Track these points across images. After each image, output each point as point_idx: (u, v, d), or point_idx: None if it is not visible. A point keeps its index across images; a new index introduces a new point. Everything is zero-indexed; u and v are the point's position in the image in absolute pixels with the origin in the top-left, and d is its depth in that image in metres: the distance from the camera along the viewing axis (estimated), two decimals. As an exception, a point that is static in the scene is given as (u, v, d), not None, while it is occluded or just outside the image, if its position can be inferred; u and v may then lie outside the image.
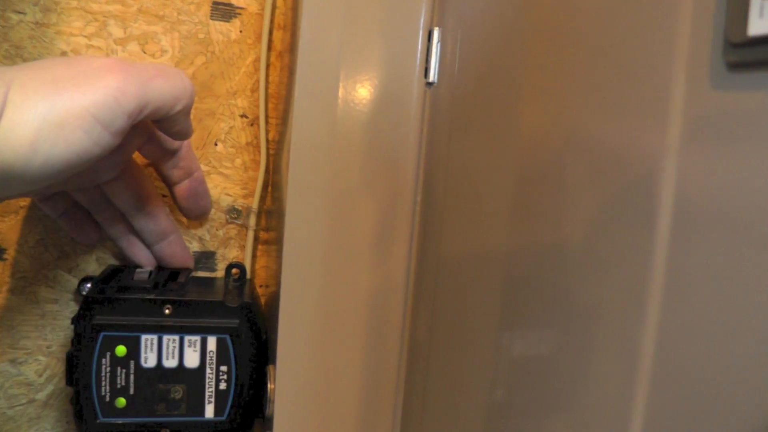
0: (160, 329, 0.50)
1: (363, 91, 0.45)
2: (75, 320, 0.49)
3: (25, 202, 0.53)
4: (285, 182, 0.52)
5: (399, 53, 0.46)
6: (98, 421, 0.50)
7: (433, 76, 0.45)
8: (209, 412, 0.51)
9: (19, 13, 0.52)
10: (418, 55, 0.46)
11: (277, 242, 0.55)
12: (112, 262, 0.56)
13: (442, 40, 0.45)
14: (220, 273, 0.57)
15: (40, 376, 0.55)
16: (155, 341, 0.50)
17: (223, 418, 0.51)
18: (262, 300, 0.57)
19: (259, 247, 0.57)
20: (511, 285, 0.36)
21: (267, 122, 0.55)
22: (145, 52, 0.54)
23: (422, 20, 0.46)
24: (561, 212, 0.31)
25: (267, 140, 0.55)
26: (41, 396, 0.56)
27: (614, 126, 0.27)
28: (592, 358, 0.28)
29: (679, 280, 0.23)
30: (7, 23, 0.52)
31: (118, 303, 0.49)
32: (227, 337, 0.50)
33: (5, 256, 0.54)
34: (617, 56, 0.27)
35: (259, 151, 0.56)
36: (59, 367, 0.56)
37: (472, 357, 0.41)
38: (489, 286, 0.39)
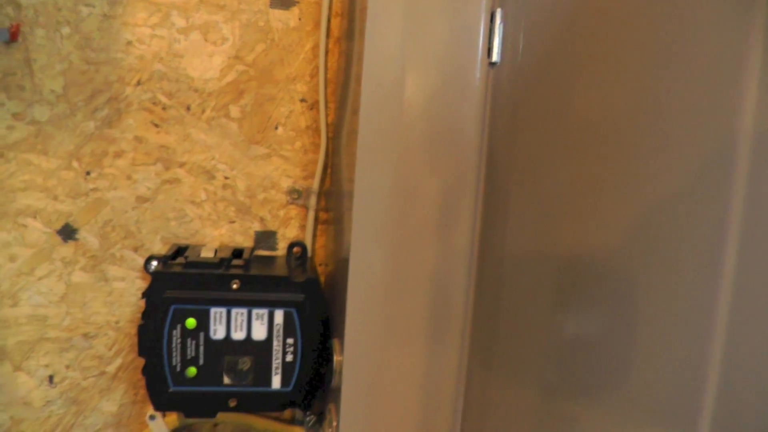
0: (229, 303, 0.52)
1: (427, 73, 0.47)
2: (146, 294, 0.51)
3: (93, 184, 0.56)
4: (346, 164, 0.54)
5: (462, 34, 0.48)
6: (170, 389, 0.52)
7: (496, 56, 0.47)
8: (276, 382, 0.53)
9: (89, 6, 0.54)
10: (481, 36, 0.48)
11: (336, 222, 0.57)
12: (176, 241, 0.58)
13: (505, 21, 0.47)
14: (280, 252, 0.60)
15: (110, 349, 0.58)
16: (224, 314, 0.52)
17: (289, 388, 0.53)
18: (322, 278, 0.59)
19: (319, 227, 0.60)
20: (575, 262, 0.38)
21: (326, 106, 0.57)
22: (206, 41, 0.57)
23: (484, 1, 0.48)
24: (627, 189, 0.33)
25: (327, 123, 0.57)
26: (111, 368, 0.58)
27: (686, 98, 0.29)
28: (644, 342, 0.30)
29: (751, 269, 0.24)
30: (79, 16, 0.54)
31: (188, 278, 0.51)
32: (294, 310, 0.52)
33: (76, 236, 0.56)
34: (689, 28, 0.29)
35: (319, 135, 0.58)
36: (127, 342, 0.58)
37: (532, 335, 0.43)
38: (551, 265, 0.41)
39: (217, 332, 0.52)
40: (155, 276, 0.51)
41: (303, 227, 0.59)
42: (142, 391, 0.59)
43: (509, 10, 0.46)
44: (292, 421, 0.62)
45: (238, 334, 0.52)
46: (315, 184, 0.58)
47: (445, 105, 0.48)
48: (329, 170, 0.59)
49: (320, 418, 0.60)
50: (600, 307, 0.36)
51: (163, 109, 0.56)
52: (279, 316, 0.52)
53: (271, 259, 0.58)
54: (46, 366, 0.57)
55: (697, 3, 0.29)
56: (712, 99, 0.28)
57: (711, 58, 0.28)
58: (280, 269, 0.55)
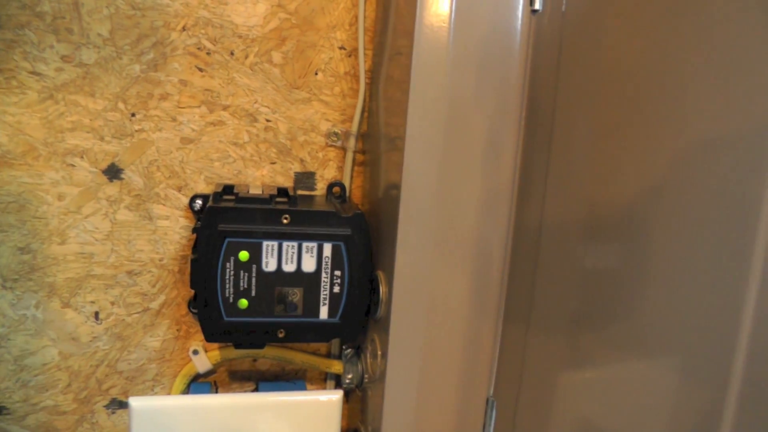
0: (280, 236, 0.54)
1: (473, 17, 0.51)
2: (199, 229, 0.53)
3: (138, 125, 0.57)
4: (383, 108, 0.57)
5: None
6: (223, 320, 0.54)
7: (538, 4, 0.51)
8: (323, 313, 0.56)
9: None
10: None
11: (373, 164, 0.60)
12: (219, 181, 0.60)
13: (545, -28, 0.51)
14: (319, 191, 0.62)
15: (153, 286, 0.60)
16: (275, 247, 0.54)
17: (336, 319, 0.56)
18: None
19: (355, 168, 0.62)
20: (606, 201, 0.42)
21: (364, 53, 0.60)
22: (246, -11, 0.59)
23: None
24: (659, 131, 0.36)
25: (365, 70, 0.60)
26: (154, 305, 0.60)
27: (725, 45, 0.33)
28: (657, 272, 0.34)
29: None
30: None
31: (241, 212, 0.54)
32: (342, 244, 0.55)
33: (122, 176, 0.58)
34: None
35: (357, 80, 0.61)
36: (170, 279, 0.60)
37: (562, 270, 0.47)
38: (584, 203, 0.45)
39: (269, 264, 0.55)
40: (209, 210, 0.53)
41: (341, 168, 0.62)
42: (185, 327, 0.61)
43: (557, -43, 0.50)
44: (328, 355, 0.65)
45: (289, 267, 0.55)
46: (353, 127, 0.61)
47: (491, 47, 0.51)
48: (366, 114, 0.62)
49: (357, 351, 0.63)
50: (626, 245, 0.40)
51: (208, 54, 0.58)
52: (328, 249, 0.55)
53: (313, 198, 0.61)
54: (92, 302, 0.58)
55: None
56: (748, 48, 0.31)
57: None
58: (325, 206, 0.58)
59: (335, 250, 0.56)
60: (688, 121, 0.36)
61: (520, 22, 0.52)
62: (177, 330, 0.61)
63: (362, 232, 0.56)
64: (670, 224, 0.36)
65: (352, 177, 0.62)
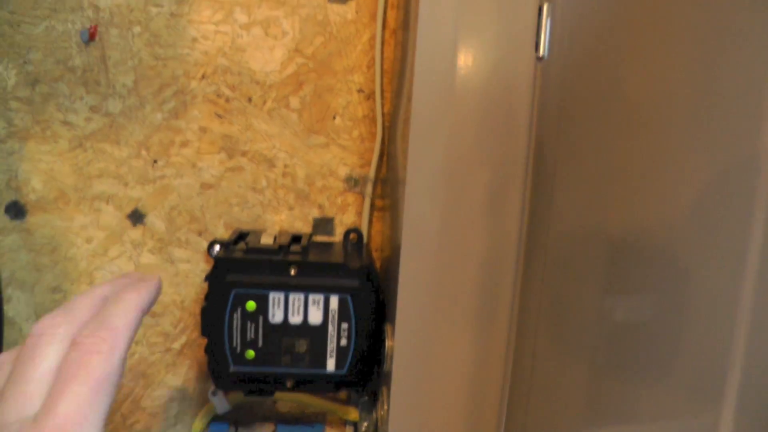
0: (287, 288, 0.54)
1: (478, 65, 0.48)
2: (209, 278, 0.54)
3: (161, 172, 0.59)
4: (401, 152, 0.56)
5: (511, 28, 0.48)
6: (230, 369, 0.55)
7: (543, 50, 0.47)
8: (331, 365, 0.55)
9: (158, 6, 0.57)
10: (529, 31, 0.48)
11: (392, 209, 0.58)
12: (238, 226, 0.61)
13: (552, 16, 0.47)
14: (337, 238, 0.62)
15: (175, 327, 0.61)
16: (282, 299, 0.54)
17: (344, 371, 0.56)
18: (378, 263, 0.60)
19: (375, 213, 0.61)
20: (617, 252, 0.38)
21: (382, 96, 0.59)
22: (267, 35, 0.59)
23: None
24: (674, 175, 0.33)
25: (383, 113, 0.59)
26: (176, 345, 0.62)
27: (727, 96, 0.29)
28: (691, 323, 0.30)
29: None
30: (148, 15, 0.57)
31: (249, 263, 0.54)
32: (349, 296, 0.54)
33: (145, 220, 0.60)
34: (730, 26, 0.28)
35: (375, 124, 0.59)
36: (191, 320, 0.61)
37: (579, 321, 0.43)
38: (596, 253, 0.41)
39: (276, 316, 0.54)
40: (218, 261, 0.53)
41: (359, 214, 0.61)
42: (205, 368, 0.62)
43: (557, 4, 0.46)
44: (347, 401, 0.64)
45: (296, 318, 0.55)
46: (371, 171, 0.59)
47: (495, 97, 0.48)
48: (385, 158, 0.60)
49: (374, 398, 0.62)
50: (647, 290, 0.36)
51: (227, 100, 0.59)
52: (334, 301, 0.54)
53: (328, 245, 0.60)
54: (119, 342, 0.61)
55: None
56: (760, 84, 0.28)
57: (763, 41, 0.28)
58: (336, 255, 0.57)
59: (342, 303, 0.55)
60: (704, 165, 0.32)
61: (525, 69, 0.48)
62: (198, 370, 0.62)
63: (370, 285, 0.54)
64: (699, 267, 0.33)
65: (371, 223, 0.61)
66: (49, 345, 0.35)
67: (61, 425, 0.31)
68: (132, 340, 0.36)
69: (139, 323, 0.37)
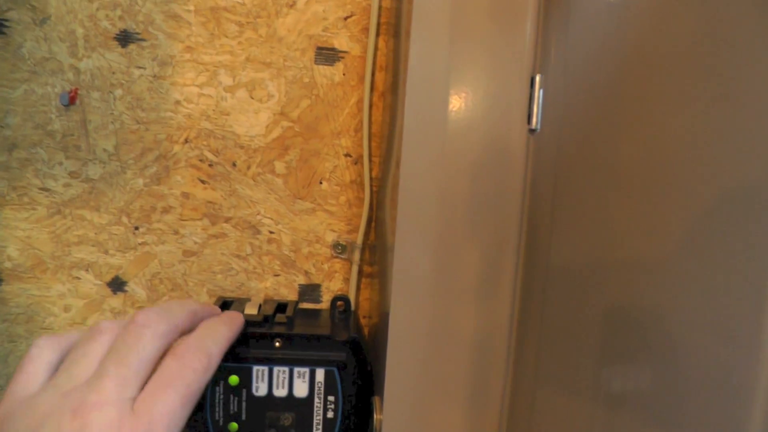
0: (271, 361, 0.52)
1: (468, 134, 0.47)
2: (192, 350, 0.52)
3: (142, 239, 0.57)
4: (389, 218, 0.54)
5: (502, 100, 0.47)
6: (213, 444, 0.53)
7: (536, 122, 0.47)
8: (317, 440, 0.53)
9: (141, 68, 0.56)
10: (521, 103, 0.47)
11: (380, 276, 0.57)
12: (221, 294, 0.59)
13: (545, 87, 0.46)
14: (324, 305, 0.60)
15: (157, 400, 0.59)
16: (266, 372, 0.52)
17: (330, 446, 0.53)
18: (366, 330, 0.59)
19: (363, 280, 0.60)
20: (614, 320, 0.37)
21: (370, 160, 0.58)
22: (252, 98, 0.57)
23: (524, 67, 0.47)
24: (666, 246, 0.31)
25: (371, 178, 0.58)
26: (158, 419, 0.59)
27: (722, 158, 0.27)
28: (693, 394, 0.28)
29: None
30: (131, 78, 0.56)
31: (232, 335, 0.52)
32: (335, 369, 0.52)
33: (126, 288, 0.58)
34: (724, 89, 0.27)
35: (363, 189, 0.58)
36: (174, 392, 0.59)
37: (576, 399, 0.41)
38: (592, 324, 0.40)
39: (260, 389, 0.52)
40: (200, 333, 0.52)
41: (347, 280, 0.60)
42: (189, 441, 0.60)
43: (549, 76, 0.45)
44: (335, 475, 0.62)
45: (280, 392, 0.52)
46: (359, 238, 0.58)
47: (486, 170, 0.47)
48: (373, 224, 0.59)
49: (364, 472, 0.60)
50: (643, 362, 0.35)
51: (210, 165, 0.57)
52: (320, 374, 0.52)
53: (315, 312, 0.58)
54: (97, 415, 0.58)
55: (746, 53, 0.27)
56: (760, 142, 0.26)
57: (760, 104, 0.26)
58: (323, 324, 0.55)
59: (328, 376, 0.53)
60: (699, 236, 0.31)
61: (517, 141, 0.47)
62: (180, 444, 0.60)
63: (357, 357, 0.52)
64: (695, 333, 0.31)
65: (358, 289, 0.59)
66: (151, 339, 0.38)
67: (154, 422, 0.34)
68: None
69: (220, 357, 0.42)
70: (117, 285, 0.57)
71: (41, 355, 0.37)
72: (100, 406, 0.34)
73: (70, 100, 0.56)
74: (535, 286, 0.47)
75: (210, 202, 0.57)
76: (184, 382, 0.38)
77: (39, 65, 0.55)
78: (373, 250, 0.59)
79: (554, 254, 0.45)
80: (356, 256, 0.58)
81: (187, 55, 0.56)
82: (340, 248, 0.58)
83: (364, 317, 0.61)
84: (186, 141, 0.57)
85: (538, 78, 0.45)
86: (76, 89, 0.56)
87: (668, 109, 0.33)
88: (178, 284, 0.58)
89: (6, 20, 0.54)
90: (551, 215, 0.45)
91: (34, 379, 0.36)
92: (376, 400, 0.52)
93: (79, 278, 0.57)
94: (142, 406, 0.35)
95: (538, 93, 0.45)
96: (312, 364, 0.52)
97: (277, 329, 0.53)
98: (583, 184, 0.42)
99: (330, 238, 0.59)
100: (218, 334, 0.44)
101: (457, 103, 0.47)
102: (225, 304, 0.56)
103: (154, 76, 0.56)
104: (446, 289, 0.48)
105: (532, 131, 0.47)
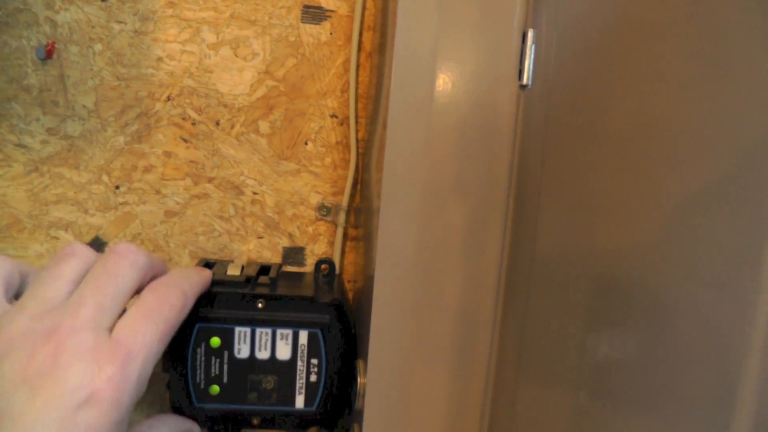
0: (253, 322, 0.51)
1: (457, 93, 0.46)
2: (173, 311, 0.51)
3: (123, 198, 0.56)
4: (375, 180, 0.53)
5: (493, 55, 0.46)
6: (193, 406, 0.52)
7: (527, 78, 0.46)
8: (299, 402, 0.53)
9: (121, 23, 0.54)
10: (512, 58, 0.46)
11: (366, 239, 0.56)
12: (204, 256, 0.58)
13: (537, 42, 0.45)
14: (308, 268, 0.59)
15: (137, 362, 0.58)
16: (248, 333, 0.51)
17: (313, 408, 0.53)
18: (350, 294, 0.58)
19: (348, 243, 0.59)
20: (602, 286, 0.36)
21: (357, 122, 0.57)
22: (237, 56, 0.56)
23: (516, 22, 0.46)
24: (657, 210, 0.31)
25: (357, 139, 0.57)
26: (138, 382, 0.58)
27: (716, 120, 0.27)
28: (682, 361, 0.28)
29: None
30: (111, 32, 0.54)
31: (214, 296, 0.51)
32: (318, 331, 0.52)
33: (106, 249, 0.56)
34: (718, 52, 0.27)
35: (349, 150, 0.57)
36: (154, 355, 0.58)
37: (563, 359, 0.41)
38: (580, 288, 0.39)
39: (242, 351, 0.52)
40: (181, 293, 0.51)
41: (332, 243, 0.59)
42: (167, 404, 0.59)
43: (541, 31, 0.44)
44: (318, 439, 0.61)
45: (263, 354, 0.52)
46: (344, 200, 0.57)
47: (475, 126, 0.47)
48: (359, 186, 0.58)
49: (346, 436, 0.60)
50: (629, 325, 0.34)
51: (193, 124, 0.56)
52: (303, 336, 0.52)
53: (299, 276, 0.58)
54: (76, 377, 0.57)
55: (741, 12, 0.27)
56: (754, 108, 0.26)
57: (754, 66, 0.26)
58: (306, 287, 0.54)
59: (312, 338, 0.52)
60: (692, 202, 0.30)
61: (508, 98, 0.46)
62: (160, 406, 0.59)
63: (341, 320, 0.52)
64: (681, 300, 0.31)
65: (343, 253, 0.58)
66: (130, 269, 0.38)
67: (133, 352, 0.34)
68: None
69: (194, 301, 0.43)
70: (97, 245, 0.56)
71: None
72: (77, 330, 0.33)
73: (47, 53, 0.54)
74: (522, 248, 0.46)
75: (192, 162, 0.56)
76: (162, 316, 0.38)
77: (11, 17, 0.53)
78: (359, 213, 0.58)
79: (542, 215, 0.44)
80: (341, 218, 0.57)
81: (170, 11, 0.55)
82: (325, 210, 0.58)
83: (349, 281, 0.60)
84: (168, 99, 0.55)
85: (530, 33, 0.45)
86: (53, 43, 0.54)
87: (661, 67, 0.32)
88: (160, 245, 0.57)
89: (-20, -31, 0.52)
90: (540, 174, 0.44)
91: None
92: (360, 363, 0.52)
93: (57, 238, 0.56)
94: (120, 334, 0.34)
95: (530, 48, 0.44)
96: (295, 325, 0.52)
97: (260, 290, 0.52)
98: (573, 142, 0.41)
99: (315, 200, 0.58)
100: (191, 278, 0.44)
101: (445, 60, 0.46)
102: (207, 266, 0.55)
103: (135, 31, 0.55)
104: (432, 252, 0.48)
105: (523, 87, 0.46)
